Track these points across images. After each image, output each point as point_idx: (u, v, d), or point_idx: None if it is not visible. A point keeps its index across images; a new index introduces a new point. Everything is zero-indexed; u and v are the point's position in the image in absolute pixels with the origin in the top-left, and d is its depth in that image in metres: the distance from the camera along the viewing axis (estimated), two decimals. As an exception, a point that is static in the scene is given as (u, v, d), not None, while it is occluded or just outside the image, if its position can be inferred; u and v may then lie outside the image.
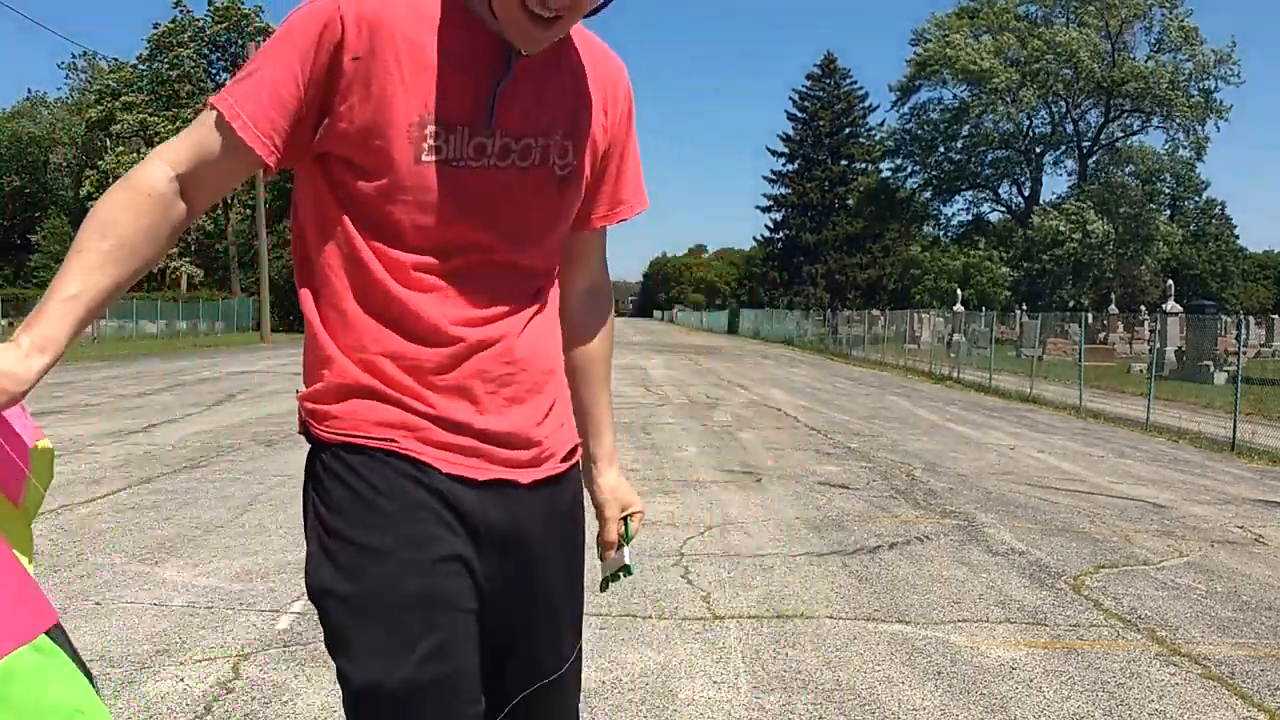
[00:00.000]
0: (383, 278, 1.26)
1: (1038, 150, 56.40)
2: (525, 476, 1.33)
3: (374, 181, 1.25)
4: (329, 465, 1.28)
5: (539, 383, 1.35)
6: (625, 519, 1.56)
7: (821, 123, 70.34)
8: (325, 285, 1.29)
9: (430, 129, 1.24)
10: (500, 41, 1.27)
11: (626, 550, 1.55)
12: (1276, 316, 35.14)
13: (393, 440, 1.26)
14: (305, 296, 1.32)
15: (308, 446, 1.35)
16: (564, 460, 1.40)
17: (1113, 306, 37.69)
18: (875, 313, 35.30)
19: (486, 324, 1.30)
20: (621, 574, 1.54)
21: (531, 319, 1.35)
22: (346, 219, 1.27)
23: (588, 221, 1.45)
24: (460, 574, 1.27)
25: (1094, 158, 54.35)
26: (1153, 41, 51.54)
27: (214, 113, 1.25)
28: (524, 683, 1.37)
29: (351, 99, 1.24)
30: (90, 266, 1.15)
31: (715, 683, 3.43)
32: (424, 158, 1.24)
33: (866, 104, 71.14)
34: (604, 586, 1.59)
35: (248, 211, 43.70)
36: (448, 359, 1.28)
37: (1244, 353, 15.59)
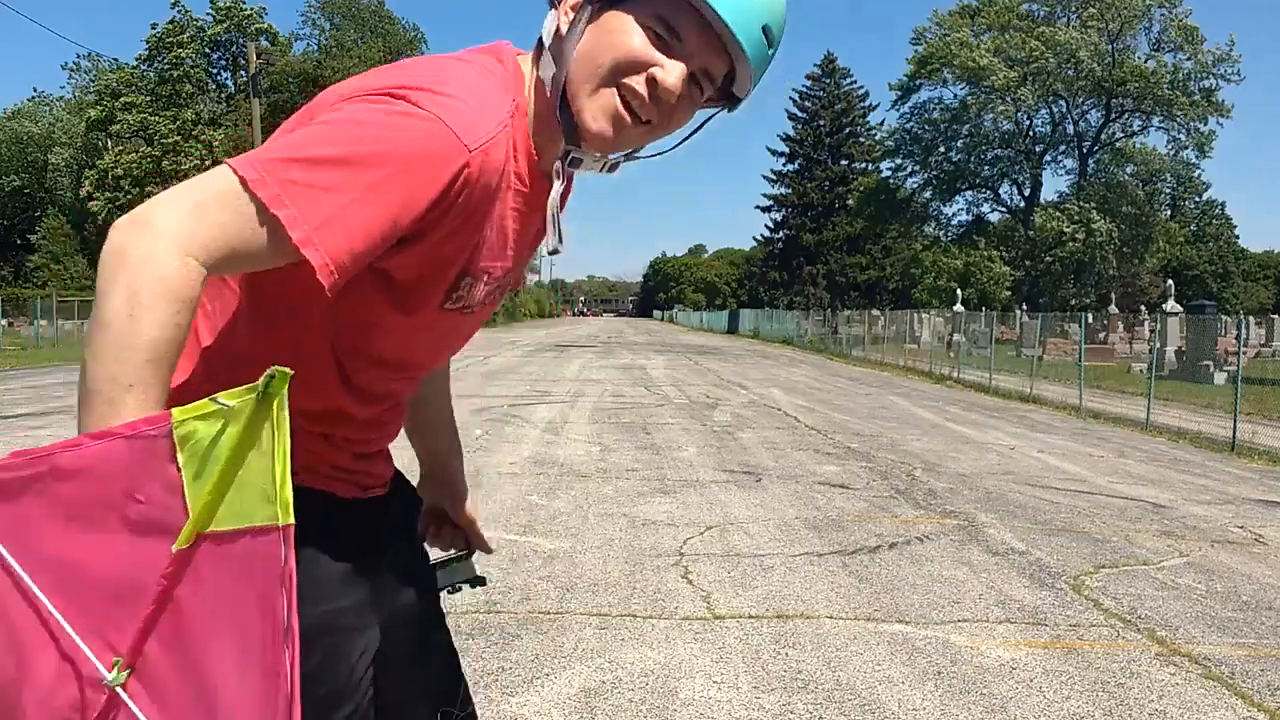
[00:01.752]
0: (332, 374, 1.17)
1: (1038, 150, 56.40)
2: (380, 491, 1.35)
3: (390, 316, 1.15)
4: None
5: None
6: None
7: (822, 122, 70.38)
8: (245, 338, 1.16)
9: (467, 280, 1.16)
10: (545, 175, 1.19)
11: (474, 561, 1.59)
12: (1276, 316, 35.12)
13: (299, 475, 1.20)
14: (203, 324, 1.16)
15: None
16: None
17: (1113, 306, 37.66)
18: (875, 313, 35.27)
19: (381, 403, 1.28)
20: (468, 585, 1.55)
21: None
22: (315, 313, 1.12)
23: None
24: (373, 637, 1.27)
25: (1094, 157, 54.33)
26: (1153, 41, 51.57)
27: (272, 216, 0.99)
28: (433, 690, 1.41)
29: (429, 241, 1.09)
30: (155, 401, 0.94)
31: (715, 683, 3.44)
32: (447, 305, 1.17)
33: (867, 104, 71.23)
34: (453, 590, 1.55)
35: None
36: (350, 430, 1.25)
37: (1244, 353, 15.58)
